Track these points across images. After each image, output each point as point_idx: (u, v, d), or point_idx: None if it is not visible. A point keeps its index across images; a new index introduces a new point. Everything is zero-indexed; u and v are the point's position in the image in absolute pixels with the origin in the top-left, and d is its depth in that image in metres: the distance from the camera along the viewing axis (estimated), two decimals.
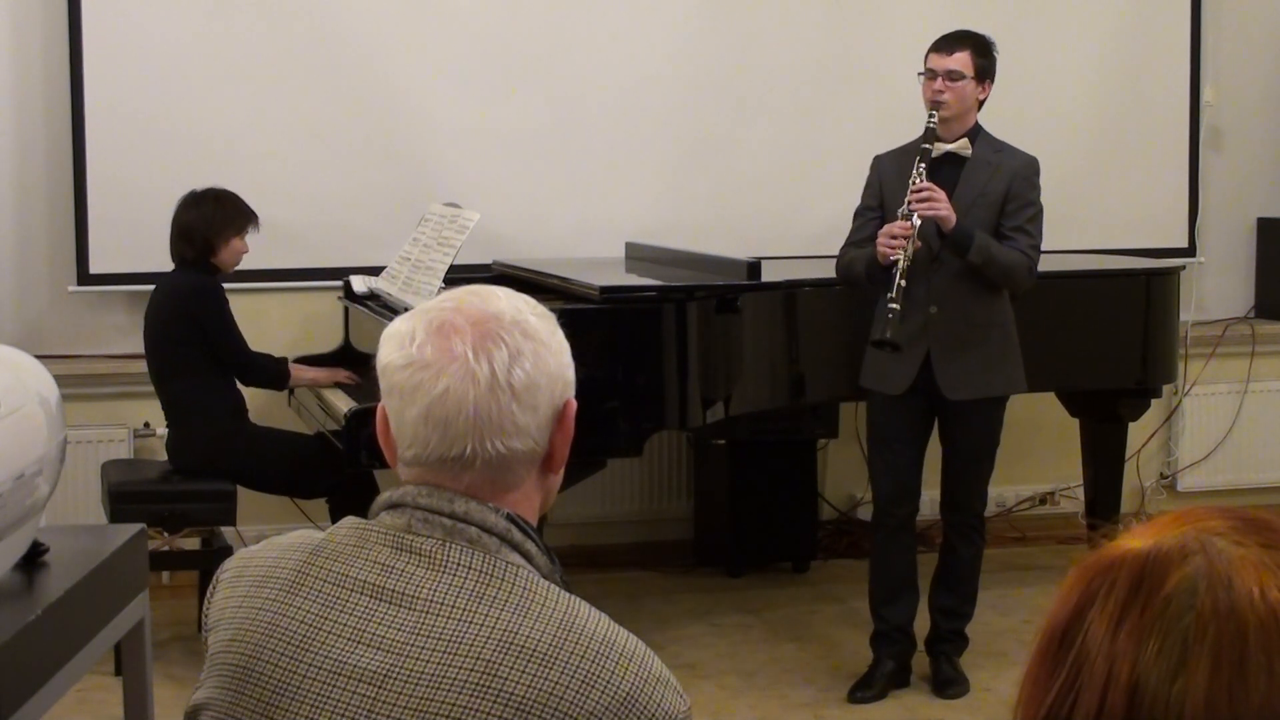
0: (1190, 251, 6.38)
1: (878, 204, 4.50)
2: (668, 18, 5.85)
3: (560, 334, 1.58)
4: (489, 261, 5.57)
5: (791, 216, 5.95)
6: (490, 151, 5.73)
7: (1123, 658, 0.93)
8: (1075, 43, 6.19)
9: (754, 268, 4.77)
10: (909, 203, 4.27)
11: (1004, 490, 6.30)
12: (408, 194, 5.56)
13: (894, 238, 4.25)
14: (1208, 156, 6.42)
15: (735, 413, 4.74)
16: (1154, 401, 5.56)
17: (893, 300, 4.20)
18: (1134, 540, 0.99)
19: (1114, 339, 5.32)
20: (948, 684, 4.62)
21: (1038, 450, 6.26)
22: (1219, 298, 6.51)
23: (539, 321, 1.56)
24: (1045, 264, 5.61)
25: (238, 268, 5.01)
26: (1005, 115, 6.09)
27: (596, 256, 5.70)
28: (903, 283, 4.20)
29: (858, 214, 4.58)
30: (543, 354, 1.53)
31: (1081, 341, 5.27)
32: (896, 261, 4.23)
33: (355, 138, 5.62)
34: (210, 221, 4.88)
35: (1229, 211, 6.48)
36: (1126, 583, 0.95)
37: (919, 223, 4.25)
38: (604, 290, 4.53)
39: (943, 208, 4.28)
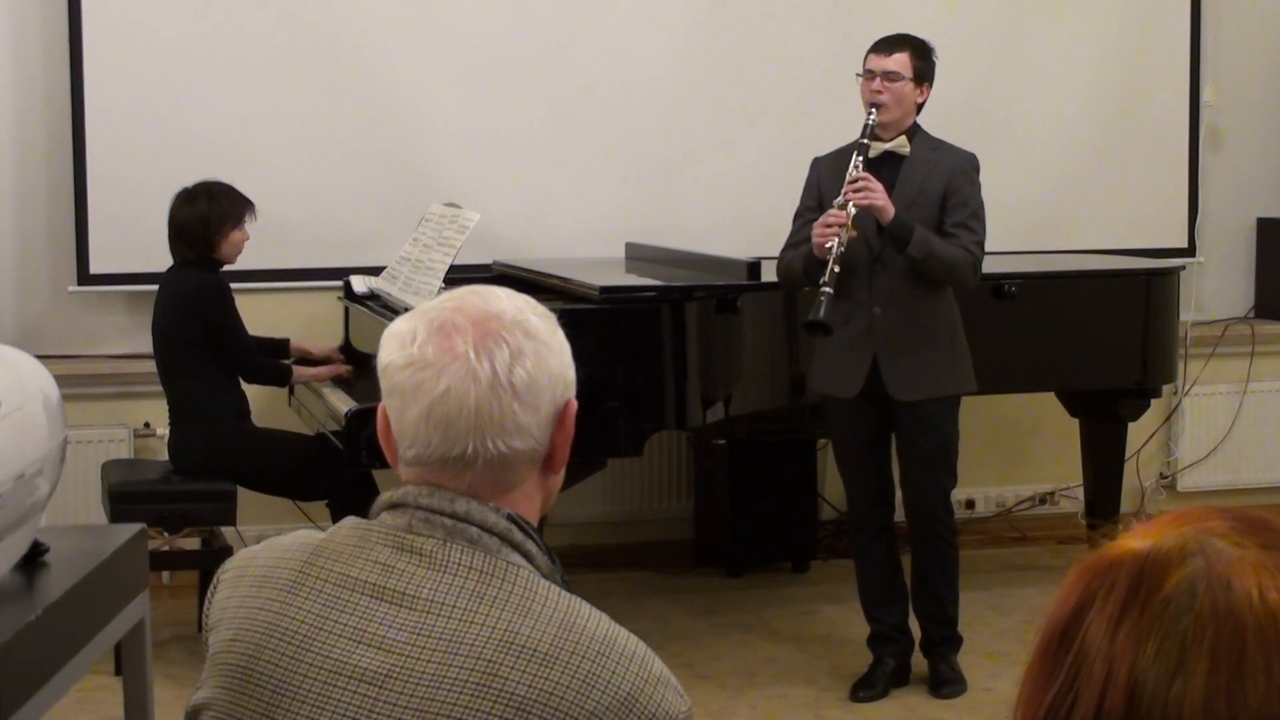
0: (1190, 251, 6.38)
1: (816, 204, 4.48)
2: (668, 18, 5.84)
3: (561, 334, 1.58)
4: (489, 261, 5.56)
5: (791, 216, 5.94)
6: (490, 151, 5.72)
7: (1121, 658, 0.93)
8: (1075, 43, 6.19)
9: (754, 268, 4.77)
10: (845, 193, 4.28)
11: (1004, 490, 6.31)
12: (408, 194, 5.55)
13: (828, 226, 4.25)
14: (1208, 156, 6.42)
15: (735, 413, 4.74)
16: (1154, 401, 5.56)
17: (825, 284, 4.19)
18: (1133, 540, 0.99)
19: (1114, 339, 5.32)
20: (944, 684, 4.61)
21: (1038, 450, 6.26)
22: (1219, 298, 6.51)
23: (540, 321, 1.56)
24: (1045, 264, 5.65)
25: (240, 265, 5.01)
26: (1006, 115, 6.13)
27: (596, 256, 5.69)
28: (836, 268, 4.20)
29: (797, 216, 4.57)
30: (544, 354, 1.54)
31: (1081, 341, 5.27)
32: (831, 249, 4.23)
33: (355, 138, 5.62)
34: (206, 218, 4.86)
35: (1229, 211, 6.47)
36: (1125, 583, 0.96)
37: (854, 211, 4.26)
38: (604, 290, 4.53)
39: (878, 197, 4.27)
